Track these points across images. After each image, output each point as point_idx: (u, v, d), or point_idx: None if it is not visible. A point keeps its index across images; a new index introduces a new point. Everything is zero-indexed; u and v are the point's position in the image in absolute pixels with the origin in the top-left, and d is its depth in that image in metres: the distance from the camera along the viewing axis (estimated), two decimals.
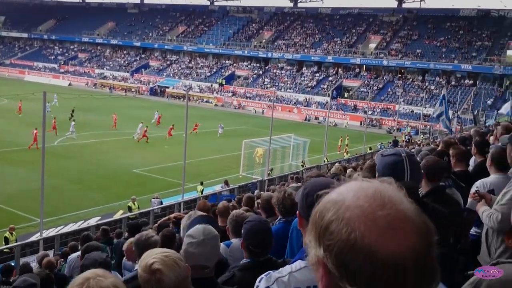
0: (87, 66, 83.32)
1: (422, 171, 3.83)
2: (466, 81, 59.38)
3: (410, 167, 2.45)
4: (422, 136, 39.82)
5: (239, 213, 4.25)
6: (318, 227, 0.93)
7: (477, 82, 58.11)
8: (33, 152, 26.97)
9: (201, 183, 21.62)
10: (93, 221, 17.02)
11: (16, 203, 19.41)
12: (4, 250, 13.12)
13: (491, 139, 9.11)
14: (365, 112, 48.10)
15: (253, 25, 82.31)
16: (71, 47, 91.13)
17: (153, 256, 2.25)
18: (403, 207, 0.89)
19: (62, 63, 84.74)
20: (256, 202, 8.23)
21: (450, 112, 42.34)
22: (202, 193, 20.71)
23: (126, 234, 8.96)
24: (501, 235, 3.49)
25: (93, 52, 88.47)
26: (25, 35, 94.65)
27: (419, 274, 0.86)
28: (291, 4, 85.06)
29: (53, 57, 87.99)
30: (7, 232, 14.23)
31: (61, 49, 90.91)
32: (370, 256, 0.84)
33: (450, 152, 5.67)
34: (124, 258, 6.47)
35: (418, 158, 7.08)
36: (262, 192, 9.07)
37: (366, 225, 0.86)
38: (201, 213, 3.54)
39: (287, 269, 2.02)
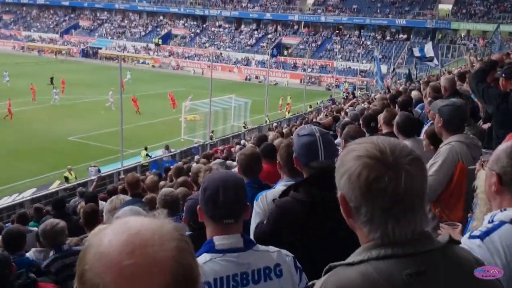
0: (13, 29, 77.95)
1: (342, 139, 3.95)
2: (401, 35, 60.86)
3: (323, 146, 2.53)
4: (359, 92, 40.69)
5: (168, 192, 4.04)
6: (78, 270, 0.88)
7: (411, 36, 59.72)
8: None
9: (145, 148, 21.04)
10: (28, 193, 16.34)
11: None
12: None
13: (414, 93, 9.28)
14: (304, 70, 48.46)
15: None
16: None
17: None
18: (154, 250, 0.85)
19: None
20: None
21: (385, 67, 43.64)
22: (147, 158, 20.30)
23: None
24: (427, 205, 3.61)
25: (19, 13, 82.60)
26: None
27: None
28: None
29: None
30: None
31: None
32: None
33: (382, 114, 5.78)
34: None
35: (348, 119, 7.28)
36: (193, 164, 8.98)
37: (112, 276, 0.83)
38: (123, 196, 3.41)
39: None
